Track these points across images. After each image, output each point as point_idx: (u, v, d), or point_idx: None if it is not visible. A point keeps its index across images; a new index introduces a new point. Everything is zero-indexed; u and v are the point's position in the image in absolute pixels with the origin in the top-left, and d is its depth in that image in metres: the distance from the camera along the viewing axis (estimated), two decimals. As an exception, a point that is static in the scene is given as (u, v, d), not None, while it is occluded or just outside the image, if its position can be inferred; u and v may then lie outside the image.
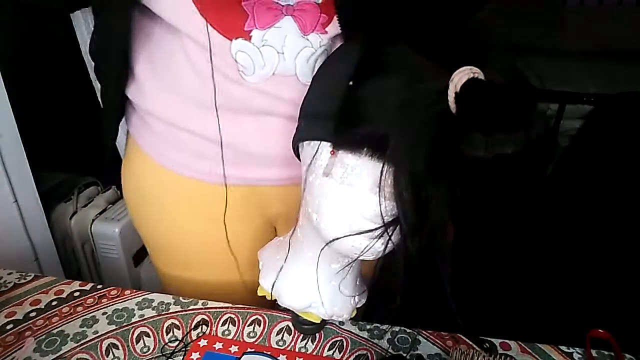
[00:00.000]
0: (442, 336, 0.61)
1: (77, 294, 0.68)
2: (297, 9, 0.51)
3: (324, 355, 0.59)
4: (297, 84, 0.54)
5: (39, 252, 1.21)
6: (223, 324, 0.63)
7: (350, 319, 0.59)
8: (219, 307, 0.66)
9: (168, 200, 0.67)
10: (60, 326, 0.63)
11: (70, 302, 0.67)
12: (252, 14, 0.52)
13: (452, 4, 0.50)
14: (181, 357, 0.59)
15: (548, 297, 1.52)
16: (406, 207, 0.41)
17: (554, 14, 2.62)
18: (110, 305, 0.66)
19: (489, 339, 0.60)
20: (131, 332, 0.62)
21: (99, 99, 0.66)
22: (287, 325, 0.63)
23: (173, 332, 0.62)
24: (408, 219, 0.41)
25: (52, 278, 0.71)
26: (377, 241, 0.46)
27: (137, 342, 0.61)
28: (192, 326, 0.63)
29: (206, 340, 0.61)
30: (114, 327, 0.63)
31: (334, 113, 0.44)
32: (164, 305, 0.66)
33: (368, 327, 0.62)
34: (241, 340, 0.61)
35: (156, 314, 0.65)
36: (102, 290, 0.69)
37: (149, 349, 0.60)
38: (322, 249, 0.50)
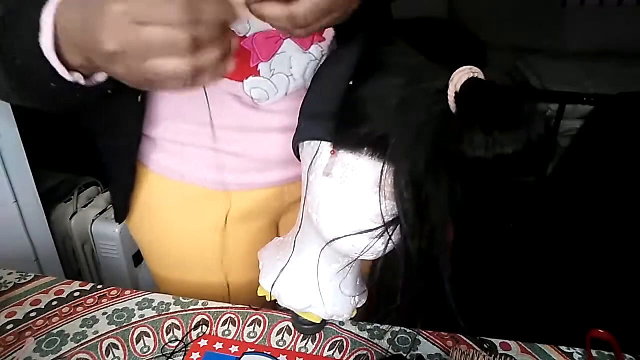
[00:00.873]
0: (442, 336, 0.61)
1: (77, 294, 0.68)
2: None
3: (324, 355, 0.59)
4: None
5: (39, 252, 1.21)
6: (223, 324, 0.63)
7: (350, 319, 0.58)
8: (219, 307, 0.66)
9: (169, 206, 0.67)
10: (60, 326, 0.63)
11: (70, 302, 0.67)
12: (253, 49, 0.52)
13: None
14: (181, 357, 0.59)
15: (548, 297, 1.52)
16: (406, 206, 0.41)
17: (554, 14, 2.61)
18: (110, 305, 0.66)
19: (489, 339, 0.60)
20: (131, 332, 0.62)
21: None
22: (287, 325, 0.63)
23: (173, 332, 0.62)
24: (408, 219, 0.41)
25: (52, 278, 0.71)
26: (377, 241, 0.46)
27: (137, 342, 0.61)
28: (192, 326, 0.63)
29: (206, 340, 0.61)
30: (114, 327, 0.63)
31: (334, 113, 0.44)
32: (164, 305, 0.66)
33: (368, 327, 0.62)
34: (241, 340, 0.61)
35: (156, 314, 0.65)
36: (102, 290, 0.69)
37: (149, 349, 0.60)
38: (322, 248, 0.50)
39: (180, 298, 0.67)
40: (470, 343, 0.59)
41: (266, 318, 0.64)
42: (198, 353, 0.59)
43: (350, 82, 0.44)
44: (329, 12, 0.40)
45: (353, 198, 0.45)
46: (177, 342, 0.60)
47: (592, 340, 0.59)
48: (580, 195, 1.81)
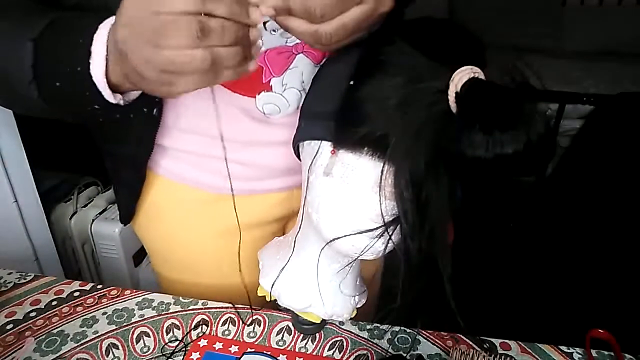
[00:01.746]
0: (442, 336, 0.61)
1: (77, 294, 0.68)
2: (307, 45, 0.52)
3: (324, 355, 0.59)
4: None
5: (39, 252, 1.21)
6: (223, 324, 0.63)
7: (350, 319, 0.58)
8: (219, 307, 0.66)
9: (175, 209, 0.68)
10: (60, 326, 0.63)
11: (70, 302, 0.67)
12: (266, 65, 0.53)
13: None
14: (181, 357, 0.59)
15: (548, 297, 1.52)
16: (406, 206, 0.41)
17: (554, 14, 2.62)
18: (110, 305, 0.66)
19: (489, 339, 0.60)
20: (131, 332, 0.62)
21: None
22: (287, 325, 0.63)
23: (173, 332, 0.62)
24: (408, 219, 0.41)
25: (52, 278, 0.71)
26: (377, 241, 0.46)
27: (137, 342, 0.61)
28: (192, 326, 0.63)
29: (206, 340, 0.61)
30: (114, 327, 0.63)
31: (334, 113, 0.44)
32: (164, 305, 0.66)
33: (368, 327, 0.62)
34: (241, 340, 0.61)
35: (156, 314, 0.65)
36: (102, 290, 0.69)
37: (149, 349, 0.60)
38: (323, 248, 0.50)
39: (180, 298, 0.67)
40: (470, 343, 0.59)
41: (266, 318, 0.64)
42: (198, 353, 0.59)
43: (351, 82, 0.44)
44: (353, 32, 0.41)
45: (353, 198, 0.45)
46: (177, 342, 0.60)
47: (592, 340, 0.59)
48: (580, 196, 1.81)
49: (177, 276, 0.73)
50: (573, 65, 2.34)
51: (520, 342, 0.60)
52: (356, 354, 0.59)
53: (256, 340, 0.61)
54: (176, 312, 0.65)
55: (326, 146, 0.46)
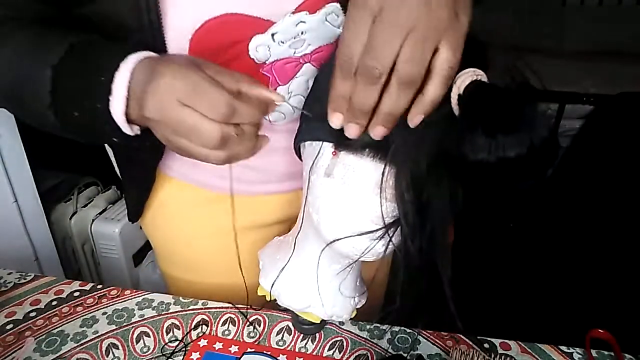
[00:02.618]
0: (442, 336, 0.61)
1: (77, 294, 0.68)
2: (315, 55, 0.52)
3: (324, 355, 0.59)
4: None
5: (39, 252, 1.21)
6: (223, 324, 0.63)
7: (350, 319, 0.58)
8: (219, 307, 0.66)
9: (183, 207, 0.68)
10: (60, 326, 0.63)
11: (70, 302, 0.67)
12: (273, 74, 0.53)
13: None
14: (181, 357, 0.59)
15: (548, 297, 1.52)
16: (407, 208, 0.41)
17: (554, 14, 2.61)
18: (110, 305, 0.66)
19: (489, 339, 0.60)
20: (131, 332, 0.62)
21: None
22: (287, 325, 0.63)
23: (173, 332, 0.62)
24: (409, 220, 0.41)
25: (52, 278, 0.71)
26: (377, 242, 0.46)
27: (137, 342, 0.61)
28: (192, 326, 0.63)
29: (206, 340, 0.61)
30: (114, 327, 0.63)
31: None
32: (164, 305, 0.66)
33: (368, 327, 0.62)
34: (241, 340, 0.61)
35: (156, 314, 0.65)
36: (102, 290, 0.69)
37: (149, 349, 0.60)
38: (323, 249, 0.50)
39: (180, 298, 0.67)
40: (470, 343, 0.59)
41: (266, 318, 0.64)
42: (198, 353, 0.59)
43: None
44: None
45: (354, 199, 0.45)
46: (177, 342, 0.60)
47: (592, 340, 0.59)
48: (580, 196, 1.81)
49: (183, 275, 0.74)
50: (573, 65, 2.34)
51: (520, 342, 0.60)
52: (356, 354, 0.59)
53: (256, 340, 0.61)
54: (176, 312, 0.65)
55: (327, 147, 0.46)
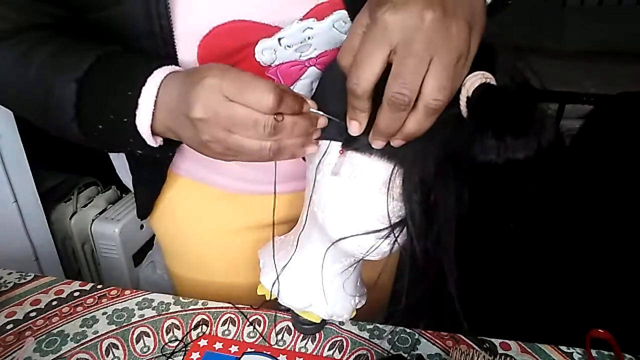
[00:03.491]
0: (442, 336, 0.61)
1: (77, 294, 0.68)
2: (320, 58, 0.52)
3: (324, 355, 0.59)
4: None
5: (39, 252, 1.22)
6: (223, 324, 0.63)
7: (350, 319, 0.58)
8: (219, 307, 0.66)
9: (192, 205, 0.68)
10: (60, 326, 0.63)
11: (70, 302, 0.67)
12: (277, 77, 0.53)
13: None
14: (181, 357, 0.59)
15: (548, 297, 1.52)
16: (414, 208, 0.41)
17: (554, 14, 2.61)
18: (110, 305, 0.66)
19: (489, 339, 0.60)
20: (131, 332, 0.62)
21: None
22: (287, 325, 0.63)
23: (173, 332, 0.62)
24: (416, 220, 0.41)
25: (52, 278, 0.71)
26: (383, 241, 0.46)
27: (137, 342, 0.61)
28: (192, 326, 0.63)
29: (206, 340, 0.61)
30: (114, 327, 0.63)
31: (344, 112, 0.44)
32: (164, 305, 0.66)
33: (368, 327, 0.62)
34: (241, 340, 0.61)
35: (156, 314, 0.65)
36: (102, 290, 0.69)
37: (149, 349, 0.60)
38: (328, 248, 0.50)
39: (180, 298, 0.67)
40: (470, 343, 0.59)
41: (266, 318, 0.64)
42: (198, 353, 0.59)
43: None
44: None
45: (361, 198, 0.45)
46: (177, 342, 0.60)
47: (592, 340, 0.59)
48: (580, 196, 1.81)
49: (190, 274, 0.74)
50: (573, 65, 2.34)
51: (520, 342, 0.60)
52: (356, 354, 0.59)
53: (256, 340, 0.61)
54: (176, 312, 0.65)
55: (334, 146, 0.46)
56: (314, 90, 0.55)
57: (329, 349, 0.59)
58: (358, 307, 0.58)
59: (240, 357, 0.59)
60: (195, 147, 0.43)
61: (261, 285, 0.59)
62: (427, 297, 0.45)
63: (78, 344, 0.60)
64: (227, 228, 0.69)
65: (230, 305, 0.66)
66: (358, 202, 0.45)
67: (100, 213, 1.31)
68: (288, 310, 0.62)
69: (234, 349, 0.60)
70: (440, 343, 0.60)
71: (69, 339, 0.61)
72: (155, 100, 0.42)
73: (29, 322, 0.64)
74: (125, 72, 0.44)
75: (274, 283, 0.56)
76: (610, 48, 2.50)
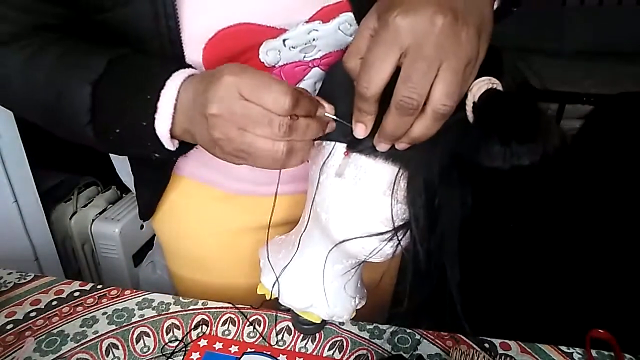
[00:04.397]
0: (442, 336, 0.61)
1: (77, 294, 0.68)
2: (324, 59, 0.52)
3: (324, 355, 0.59)
4: None
5: (39, 252, 1.21)
6: (223, 324, 0.63)
7: (350, 319, 0.58)
8: (219, 307, 0.66)
9: (194, 206, 0.69)
10: (60, 326, 0.63)
11: (70, 302, 0.67)
12: (281, 78, 0.53)
13: None
14: (181, 357, 0.59)
15: (548, 297, 1.52)
16: (418, 212, 0.41)
17: (554, 14, 2.61)
18: (110, 305, 0.66)
19: (489, 339, 0.60)
20: (131, 332, 0.62)
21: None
22: (287, 325, 0.63)
23: (173, 332, 0.62)
24: (419, 224, 0.41)
25: (52, 278, 0.71)
26: (386, 244, 0.46)
27: (137, 342, 0.61)
28: (192, 326, 0.63)
29: (206, 340, 0.61)
30: (114, 327, 0.63)
31: (348, 114, 0.44)
32: (164, 305, 0.66)
33: (368, 327, 0.62)
34: (241, 340, 0.61)
35: (156, 314, 0.65)
36: (102, 290, 0.69)
37: (149, 349, 0.60)
38: (331, 249, 0.50)
39: (180, 298, 0.67)
40: (470, 343, 0.59)
41: (266, 318, 0.64)
42: (198, 353, 0.59)
43: None
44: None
45: (365, 200, 0.45)
46: (177, 342, 0.60)
47: (592, 340, 0.59)
48: (580, 195, 1.81)
49: (191, 274, 0.74)
50: (573, 65, 2.34)
51: (520, 342, 0.60)
52: (356, 354, 0.59)
53: (256, 340, 0.61)
54: (176, 312, 0.65)
55: (339, 147, 0.46)
56: (317, 91, 0.55)
57: (329, 349, 0.60)
58: (358, 307, 0.58)
59: (240, 357, 0.59)
60: (206, 146, 0.42)
61: (261, 285, 0.59)
62: (430, 300, 0.45)
63: (78, 344, 0.60)
64: (228, 228, 0.69)
65: (230, 305, 0.66)
66: (362, 204, 0.45)
67: (100, 213, 1.31)
68: (288, 310, 0.61)
69: (234, 349, 0.60)
70: (440, 343, 0.60)
71: (69, 339, 0.61)
72: (175, 104, 0.42)
73: (29, 322, 0.64)
74: (141, 75, 0.44)
75: (274, 283, 0.56)
76: (610, 48, 2.50)
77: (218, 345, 0.60)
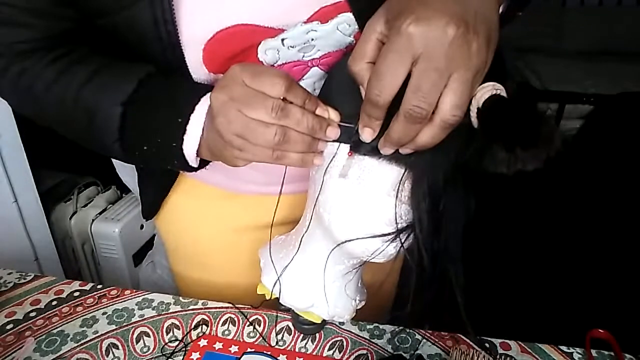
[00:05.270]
0: (442, 336, 0.61)
1: (77, 294, 0.68)
2: (323, 59, 0.52)
3: (324, 355, 0.59)
4: None
5: (39, 252, 1.22)
6: (223, 324, 0.63)
7: (350, 319, 0.58)
8: (219, 307, 0.66)
9: (197, 206, 0.69)
10: (60, 326, 0.63)
11: (70, 302, 0.67)
12: None
13: None
14: (181, 357, 0.59)
15: (548, 297, 1.52)
16: (422, 215, 0.41)
17: (554, 14, 2.62)
18: (110, 305, 0.66)
19: (489, 339, 0.60)
20: (131, 332, 0.62)
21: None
22: (287, 325, 0.63)
23: (173, 332, 0.62)
24: (423, 227, 0.41)
25: (52, 278, 0.71)
26: (389, 245, 0.46)
27: (137, 342, 0.61)
28: (192, 326, 0.63)
29: (206, 340, 0.61)
30: (114, 327, 0.63)
31: (354, 115, 0.43)
32: (164, 305, 0.66)
33: (368, 327, 0.62)
34: (241, 340, 0.61)
35: (156, 314, 0.65)
36: (102, 290, 0.69)
37: (149, 349, 0.60)
38: (333, 249, 0.50)
39: (180, 298, 0.67)
40: (470, 343, 0.59)
41: (266, 318, 0.64)
42: (198, 353, 0.59)
43: None
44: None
45: (368, 201, 0.45)
46: (177, 342, 0.60)
47: (592, 340, 0.59)
48: (580, 195, 1.81)
49: (193, 274, 0.74)
50: (573, 65, 2.35)
51: (520, 342, 0.60)
52: (356, 354, 0.59)
53: (256, 340, 0.61)
54: (176, 312, 0.65)
55: (343, 147, 0.46)
56: (317, 91, 0.55)
57: (329, 349, 0.60)
58: (359, 308, 0.58)
59: (240, 357, 0.59)
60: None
61: (261, 285, 0.59)
62: (433, 301, 0.45)
63: (78, 344, 0.60)
64: (229, 227, 0.69)
65: (230, 305, 0.66)
66: (365, 205, 0.45)
67: (100, 213, 1.31)
68: (288, 310, 0.62)
69: (234, 349, 0.60)
70: (440, 343, 0.60)
71: (69, 339, 0.61)
72: (203, 127, 0.45)
73: (29, 322, 0.64)
74: (171, 97, 0.46)
75: (275, 283, 0.56)
76: (610, 48, 2.50)
77: (218, 345, 0.60)
